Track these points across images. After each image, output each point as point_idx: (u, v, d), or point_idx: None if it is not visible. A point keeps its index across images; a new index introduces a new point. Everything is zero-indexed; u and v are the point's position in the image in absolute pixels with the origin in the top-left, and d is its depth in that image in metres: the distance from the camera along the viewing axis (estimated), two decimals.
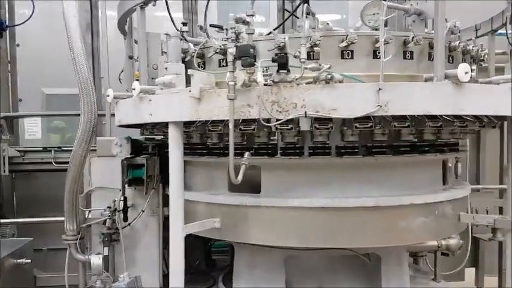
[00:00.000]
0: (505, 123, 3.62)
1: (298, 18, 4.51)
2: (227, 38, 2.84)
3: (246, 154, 2.99)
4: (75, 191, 3.90)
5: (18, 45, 6.90)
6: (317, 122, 2.89)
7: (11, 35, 6.74)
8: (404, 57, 3.21)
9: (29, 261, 4.64)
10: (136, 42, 4.11)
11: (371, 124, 2.89)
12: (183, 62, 3.48)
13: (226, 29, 2.85)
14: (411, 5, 3.38)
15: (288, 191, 3.26)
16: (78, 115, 3.79)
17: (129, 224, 4.00)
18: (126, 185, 3.88)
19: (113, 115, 4.71)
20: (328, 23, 3.27)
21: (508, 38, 3.62)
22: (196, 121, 3.15)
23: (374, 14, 3.19)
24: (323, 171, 3.23)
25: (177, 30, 3.63)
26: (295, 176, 3.28)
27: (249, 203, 3.27)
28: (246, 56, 2.69)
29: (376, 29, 3.18)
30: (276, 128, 2.90)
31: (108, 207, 3.98)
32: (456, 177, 4.37)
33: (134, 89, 3.25)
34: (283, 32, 4.66)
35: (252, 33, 2.87)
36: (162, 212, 4.06)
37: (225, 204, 3.38)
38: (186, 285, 4.20)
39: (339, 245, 3.26)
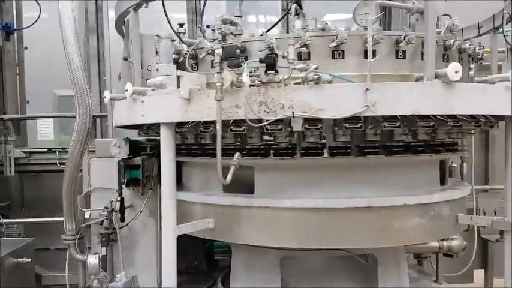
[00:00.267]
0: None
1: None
2: (213, 39, 2.84)
3: (236, 155, 2.99)
4: (72, 191, 3.94)
5: (26, 48, 7.00)
6: (307, 122, 2.86)
7: (19, 38, 6.84)
8: (397, 57, 3.16)
9: (29, 260, 4.70)
10: None
11: (361, 124, 2.86)
12: (177, 63, 3.49)
13: (213, 30, 2.85)
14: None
15: (280, 192, 3.25)
16: (74, 117, 3.82)
17: (127, 225, 4.03)
18: (124, 186, 3.90)
19: None
20: (327, 23, 3.25)
21: (504, 37, 3.56)
22: (188, 122, 3.15)
23: (366, 13, 3.15)
24: (315, 172, 3.21)
25: (174, 31, 3.65)
26: (287, 176, 3.26)
27: (242, 203, 3.27)
28: (232, 57, 2.68)
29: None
30: (266, 129, 2.89)
31: (105, 207, 4.01)
32: (462, 178, 4.28)
33: (127, 90, 3.27)
34: (287, 33, 4.63)
35: (240, 34, 2.86)
36: (161, 213, 4.07)
37: (219, 204, 3.38)
38: (186, 285, 4.24)
39: (331, 245, 3.23)
